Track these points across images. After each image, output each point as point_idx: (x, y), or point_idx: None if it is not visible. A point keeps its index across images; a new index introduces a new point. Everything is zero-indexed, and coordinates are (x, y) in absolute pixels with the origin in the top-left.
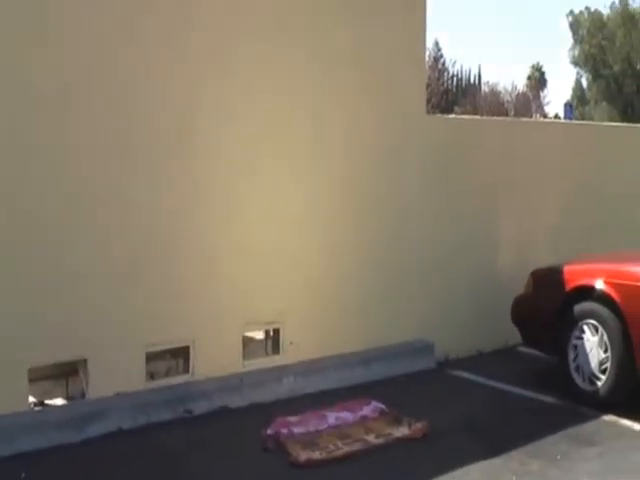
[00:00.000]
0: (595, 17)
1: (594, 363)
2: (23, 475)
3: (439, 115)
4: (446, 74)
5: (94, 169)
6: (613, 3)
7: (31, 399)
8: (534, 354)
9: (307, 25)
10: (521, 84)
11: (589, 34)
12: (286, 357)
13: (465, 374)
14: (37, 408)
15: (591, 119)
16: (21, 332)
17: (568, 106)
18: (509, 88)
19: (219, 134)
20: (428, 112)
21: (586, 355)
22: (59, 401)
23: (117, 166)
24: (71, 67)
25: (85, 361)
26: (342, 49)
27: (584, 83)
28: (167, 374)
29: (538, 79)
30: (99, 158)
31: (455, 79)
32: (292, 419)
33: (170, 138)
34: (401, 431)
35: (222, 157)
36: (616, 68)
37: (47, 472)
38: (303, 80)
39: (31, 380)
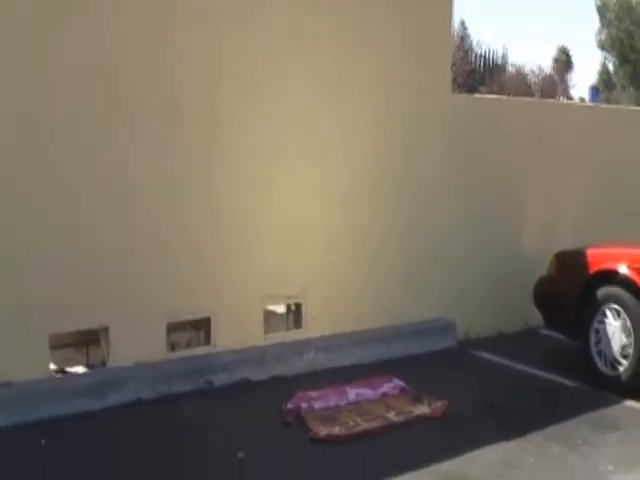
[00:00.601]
0: (623, 1)
1: (616, 348)
2: (43, 442)
3: (464, 94)
4: (472, 54)
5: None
6: None
7: (52, 366)
8: (555, 337)
9: (333, 5)
10: (547, 66)
11: (617, 18)
12: (308, 332)
13: (486, 354)
14: (58, 375)
15: (617, 104)
16: (42, 299)
17: (594, 90)
18: (535, 70)
19: (248, 116)
20: (453, 91)
21: (608, 340)
22: (80, 369)
23: (140, 142)
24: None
25: (107, 329)
26: (368, 29)
27: (610, 67)
28: (188, 345)
29: (564, 62)
30: (127, 134)
31: (481, 59)
32: (313, 394)
33: (199, 118)
34: (421, 409)
35: (250, 136)
36: None
37: (67, 439)
38: (329, 59)
39: (52, 347)
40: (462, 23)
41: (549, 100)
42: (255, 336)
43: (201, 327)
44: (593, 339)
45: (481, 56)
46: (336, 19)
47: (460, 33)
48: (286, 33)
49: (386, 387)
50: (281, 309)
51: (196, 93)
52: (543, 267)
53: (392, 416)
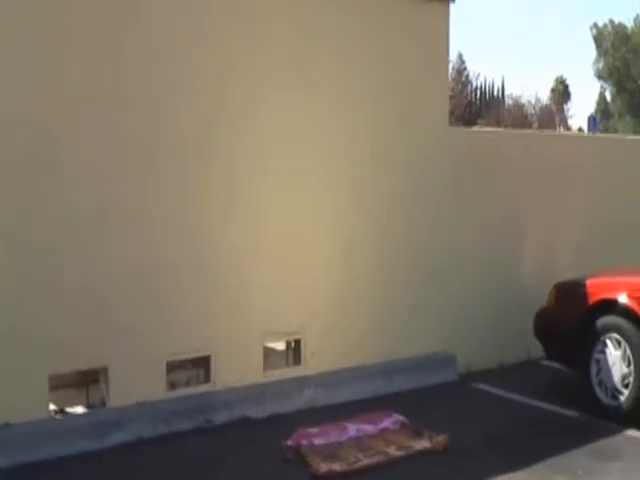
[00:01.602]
0: (619, 30)
1: (617, 377)
2: None
3: (461, 127)
4: (469, 86)
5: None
6: (637, 16)
7: (52, 407)
8: (556, 367)
9: (336, 37)
10: (545, 97)
11: (613, 47)
12: (307, 368)
13: (487, 387)
14: (58, 416)
15: (615, 132)
16: (42, 339)
17: (592, 119)
18: (533, 101)
19: (239, 144)
20: (451, 124)
21: (609, 369)
22: (80, 409)
23: (140, 177)
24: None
25: (106, 369)
26: (365, 66)
27: (608, 96)
28: (188, 383)
29: (562, 92)
30: (124, 174)
31: (478, 91)
32: (313, 430)
33: (192, 145)
34: (422, 444)
35: (242, 169)
36: None
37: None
38: (331, 89)
39: (52, 388)
40: (460, 56)
41: (546, 131)
42: (255, 373)
43: (201, 365)
44: (594, 369)
45: (478, 88)
46: (339, 49)
47: (457, 66)
48: (286, 79)
49: (386, 422)
50: (280, 346)
51: (201, 129)
52: (543, 298)
53: (393, 451)
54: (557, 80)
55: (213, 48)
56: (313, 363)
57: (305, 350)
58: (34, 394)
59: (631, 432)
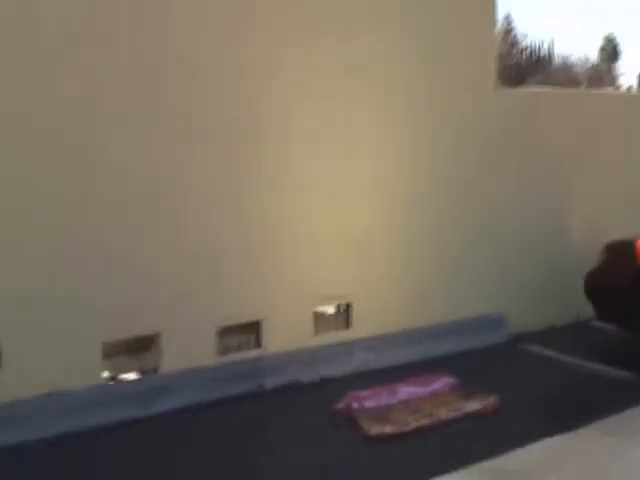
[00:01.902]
0: None
1: None
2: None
3: (510, 88)
4: (517, 47)
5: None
6: None
7: (105, 374)
8: (607, 329)
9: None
10: (594, 56)
11: None
12: (357, 331)
13: (537, 348)
14: (110, 382)
15: None
16: (94, 307)
17: None
18: (582, 60)
19: (289, 118)
20: (499, 85)
21: None
22: (132, 375)
23: (189, 156)
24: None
25: (159, 336)
26: (416, 23)
27: None
28: (239, 348)
29: (611, 51)
30: (176, 155)
31: (527, 51)
32: (363, 393)
33: (241, 123)
34: (472, 406)
35: (293, 142)
36: None
37: (119, 445)
38: (378, 54)
39: (105, 355)
40: (507, 17)
41: (594, 90)
42: (305, 337)
43: (251, 330)
44: None
45: (527, 48)
46: (384, 15)
47: (505, 26)
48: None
49: (436, 385)
50: (330, 310)
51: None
52: (593, 258)
53: (443, 413)
54: (606, 38)
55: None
56: (363, 327)
57: (355, 314)
58: (87, 361)
59: None
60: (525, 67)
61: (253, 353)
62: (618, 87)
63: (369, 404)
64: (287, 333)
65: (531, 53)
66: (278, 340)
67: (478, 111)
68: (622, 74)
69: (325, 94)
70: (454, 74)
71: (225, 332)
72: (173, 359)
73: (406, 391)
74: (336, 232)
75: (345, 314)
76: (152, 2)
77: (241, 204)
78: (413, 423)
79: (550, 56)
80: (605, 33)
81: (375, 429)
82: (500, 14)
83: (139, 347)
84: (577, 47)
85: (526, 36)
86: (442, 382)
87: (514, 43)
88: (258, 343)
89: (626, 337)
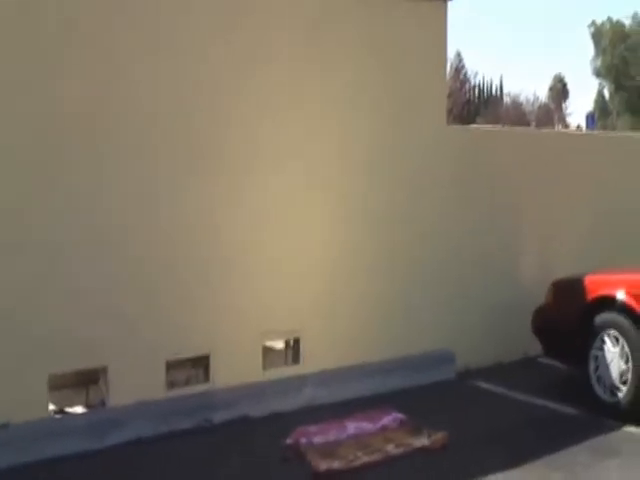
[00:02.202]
0: (617, 28)
1: (615, 374)
2: None
3: (460, 125)
4: (467, 85)
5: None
6: (636, 14)
7: (51, 407)
8: (554, 365)
9: (333, 37)
10: (543, 95)
11: (611, 45)
12: (306, 366)
13: (485, 385)
14: (57, 416)
15: (613, 130)
16: (41, 339)
17: (590, 117)
18: (531, 99)
19: (245, 143)
20: (449, 122)
21: (607, 366)
22: (79, 409)
23: (139, 178)
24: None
25: (105, 369)
26: (367, 62)
27: (606, 94)
28: (187, 383)
29: (560, 90)
30: (124, 176)
31: (477, 89)
32: (312, 428)
33: (196, 145)
34: (421, 441)
35: (240, 170)
36: (639, 79)
37: (73, 477)
38: (331, 89)
39: (51, 387)
40: (458, 54)
41: (544, 129)
42: (254, 372)
43: (200, 364)
44: (592, 366)
45: (477, 86)
46: (330, 56)
47: (455, 64)
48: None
49: (385, 420)
50: (279, 345)
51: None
52: (541, 296)
53: (392, 449)
54: (555, 78)
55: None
56: (312, 362)
57: (304, 349)
58: (34, 394)
59: (630, 429)
60: (475, 105)
61: (202, 387)
62: (567, 126)
63: (317, 440)
64: (236, 368)
65: (481, 91)
66: (227, 375)
67: (429, 147)
68: (571, 113)
69: (281, 124)
70: (404, 110)
71: (173, 366)
72: (121, 392)
73: (355, 426)
74: (287, 266)
75: (294, 349)
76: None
77: (190, 235)
78: (362, 458)
79: (500, 94)
80: (554, 73)
81: (323, 465)
82: (450, 52)
83: (86, 380)
84: (526, 86)
85: (476, 74)
86: (391, 417)
87: (464, 81)
88: (207, 377)
89: (572, 373)
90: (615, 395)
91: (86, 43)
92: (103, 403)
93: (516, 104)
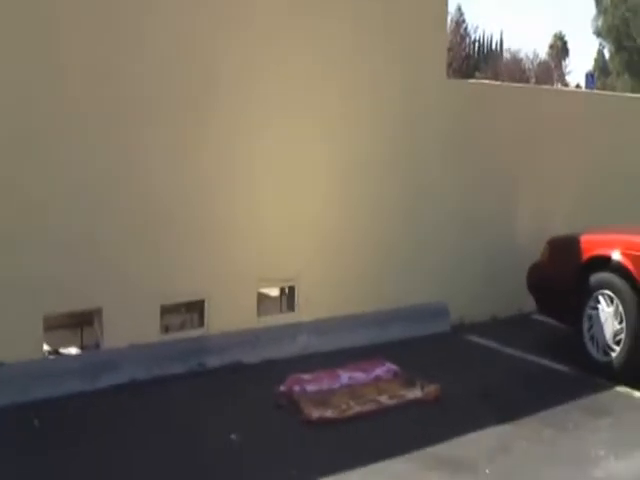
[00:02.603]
0: None
1: (608, 334)
2: (36, 422)
3: (460, 79)
4: (468, 39)
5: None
6: None
7: (46, 347)
8: (548, 322)
9: None
10: (543, 53)
11: (613, 5)
12: (301, 314)
13: (479, 339)
14: (51, 357)
15: (613, 90)
16: (37, 280)
17: (590, 76)
18: (531, 56)
19: (241, 93)
20: (449, 76)
21: (601, 326)
22: (73, 350)
23: (135, 129)
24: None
25: (100, 311)
26: (367, 13)
27: (607, 54)
28: (182, 327)
29: (560, 48)
30: (114, 129)
31: (477, 44)
32: (305, 377)
33: (190, 98)
34: (414, 393)
35: (244, 118)
36: (639, 41)
37: (59, 420)
38: (330, 42)
39: (46, 328)
40: (458, 8)
41: (544, 86)
42: (248, 319)
43: (195, 309)
44: (586, 325)
45: (477, 41)
46: (330, 12)
47: (456, 18)
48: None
49: (379, 371)
50: (274, 292)
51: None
52: (537, 253)
53: (385, 399)
54: (555, 36)
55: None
56: (307, 310)
57: (299, 297)
58: (28, 334)
59: (621, 389)
60: (475, 60)
61: (196, 332)
62: (567, 84)
63: (310, 388)
64: (230, 314)
65: (481, 46)
66: (221, 320)
67: (429, 100)
68: (570, 72)
69: (279, 75)
70: (405, 64)
71: (168, 310)
72: (115, 335)
73: (348, 376)
74: (284, 215)
75: (289, 296)
76: None
77: (185, 181)
78: (355, 408)
79: (500, 50)
80: (554, 31)
81: (316, 413)
82: (451, 6)
83: (80, 322)
84: (526, 43)
85: (477, 28)
86: (385, 368)
87: (464, 35)
88: (201, 322)
89: (566, 331)
90: (608, 355)
91: None
92: (97, 345)
93: (516, 60)
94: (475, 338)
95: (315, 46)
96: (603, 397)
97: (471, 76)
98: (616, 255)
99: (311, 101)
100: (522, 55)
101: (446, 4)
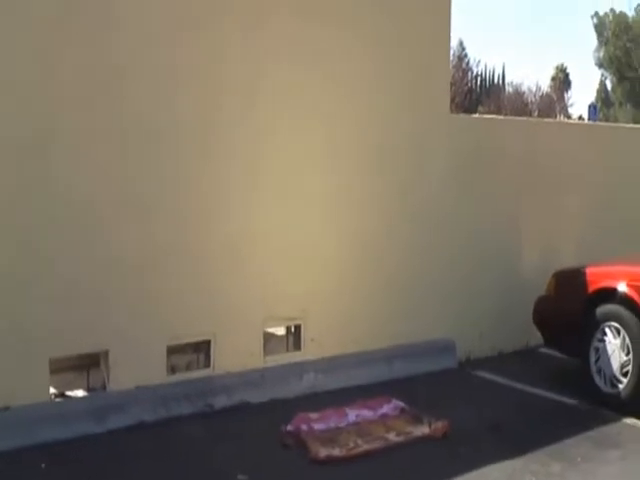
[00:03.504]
0: (620, 19)
1: (616, 366)
2: (43, 465)
3: (463, 114)
4: (470, 74)
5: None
6: (639, 5)
7: (52, 390)
8: (555, 355)
9: (336, 22)
10: (545, 85)
11: (614, 36)
12: (307, 353)
13: (486, 374)
14: (58, 399)
15: (615, 121)
16: (43, 323)
17: (592, 108)
18: (533, 89)
19: (240, 125)
20: (452, 111)
21: (608, 358)
22: (80, 392)
23: (138, 166)
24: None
25: (107, 353)
26: (370, 49)
27: (609, 85)
28: (188, 368)
29: (562, 80)
30: (117, 166)
31: (479, 79)
32: (312, 415)
33: (192, 132)
34: (421, 430)
35: (242, 155)
36: None
37: (67, 463)
38: (334, 81)
39: (52, 371)
40: (460, 42)
41: (546, 119)
42: (255, 358)
43: (201, 350)
44: (593, 357)
45: (479, 75)
46: (345, 35)
47: (458, 52)
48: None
49: (386, 408)
50: (281, 331)
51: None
52: (543, 286)
53: (392, 437)
54: (557, 68)
55: (209, 31)
56: (313, 348)
57: (305, 335)
58: (35, 378)
59: (629, 420)
60: (477, 94)
61: (202, 373)
62: (569, 116)
63: (318, 427)
64: (237, 353)
65: (483, 80)
66: (227, 360)
67: (432, 136)
68: (573, 104)
69: (263, 130)
70: (408, 99)
71: (174, 351)
72: (122, 377)
73: (355, 414)
74: (288, 252)
75: (296, 335)
76: None
77: (191, 223)
78: (362, 446)
79: (502, 83)
80: (557, 63)
81: (324, 452)
82: (453, 40)
83: (87, 364)
84: (528, 76)
85: (478, 62)
86: (392, 405)
87: (467, 69)
88: (207, 363)
89: (573, 363)
90: (615, 387)
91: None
92: (104, 387)
93: (518, 94)
94: (482, 373)
95: (319, 85)
96: (611, 429)
97: (474, 110)
98: (622, 287)
99: (318, 135)
100: (524, 88)
101: (449, 38)
